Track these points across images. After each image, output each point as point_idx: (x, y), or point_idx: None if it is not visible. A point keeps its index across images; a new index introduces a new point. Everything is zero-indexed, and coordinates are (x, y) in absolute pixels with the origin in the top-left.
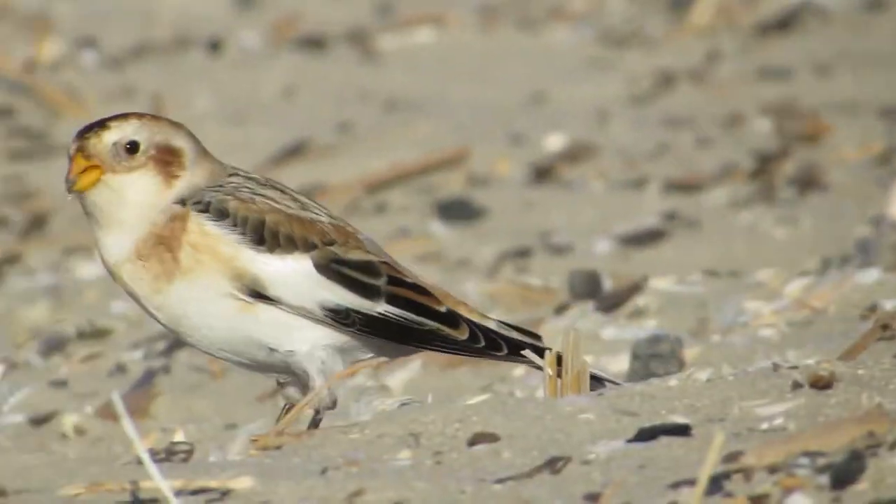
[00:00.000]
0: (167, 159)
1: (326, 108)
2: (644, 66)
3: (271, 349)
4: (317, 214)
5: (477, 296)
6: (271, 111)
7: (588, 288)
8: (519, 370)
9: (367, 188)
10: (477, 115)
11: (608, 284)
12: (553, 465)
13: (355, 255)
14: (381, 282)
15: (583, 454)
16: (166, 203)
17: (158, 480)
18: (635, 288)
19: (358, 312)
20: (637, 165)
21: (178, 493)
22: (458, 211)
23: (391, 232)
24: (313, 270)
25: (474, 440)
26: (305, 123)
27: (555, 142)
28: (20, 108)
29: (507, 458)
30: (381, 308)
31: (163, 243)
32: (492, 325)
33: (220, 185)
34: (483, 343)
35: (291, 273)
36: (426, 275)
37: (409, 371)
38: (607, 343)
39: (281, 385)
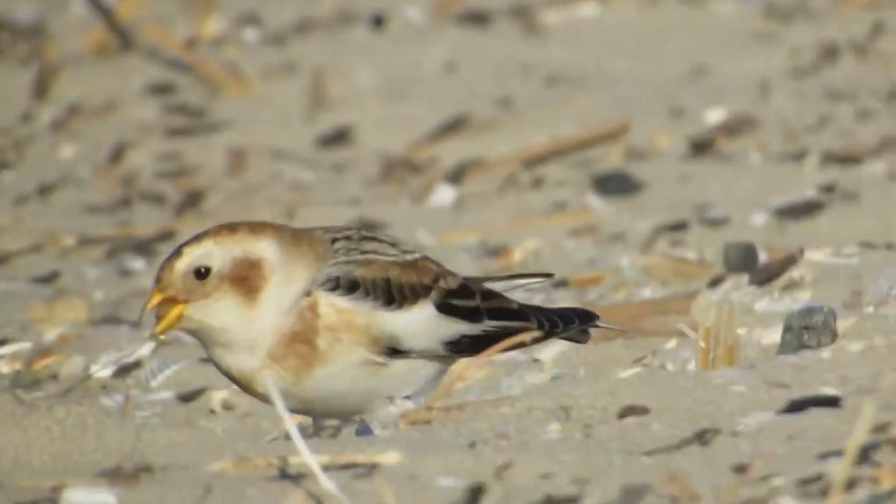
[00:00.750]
0: (244, 275)
1: (487, 83)
2: (808, 38)
3: (390, 398)
4: (412, 252)
5: (631, 269)
6: (432, 86)
7: (743, 261)
8: (671, 343)
9: (526, 162)
10: (638, 88)
11: (763, 257)
12: (702, 436)
13: (454, 283)
14: (478, 301)
15: (732, 426)
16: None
17: (306, 456)
18: (790, 260)
19: (468, 337)
20: (797, 138)
21: (326, 468)
22: (615, 184)
23: (547, 206)
24: (435, 313)
25: (624, 413)
26: (466, 98)
27: (715, 115)
28: (180, 85)
29: (657, 431)
30: (485, 326)
31: (297, 339)
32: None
33: (336, 259)
34: (547, 326)
35: (420, 321)
36: (581, 249)
37: (561, 345)
38: (760, 315)
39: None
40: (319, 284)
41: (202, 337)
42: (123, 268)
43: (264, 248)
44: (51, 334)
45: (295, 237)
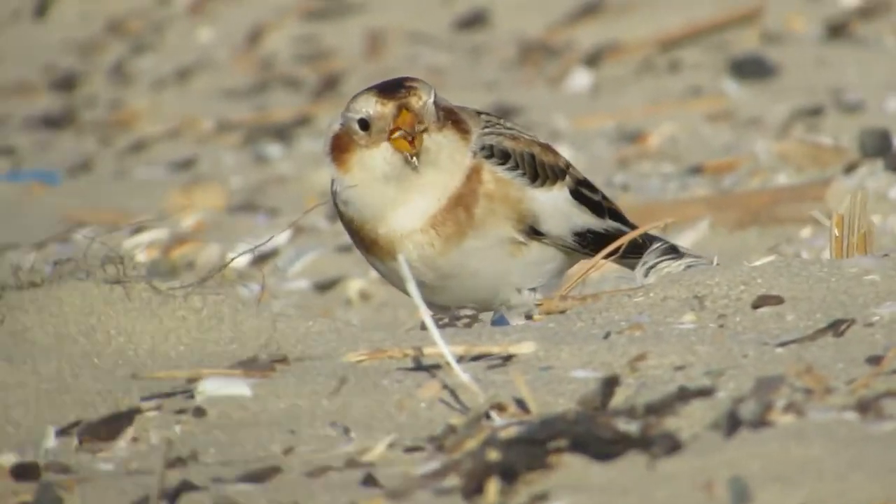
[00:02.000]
0: (455, 118)
1: None
2: None
3: (518, 289)
4: (544, 141)
5: (767, 154)
6: None
7: (879, 147)
8: (806, 231)
9: (661, 46)
10: None
11: None
12: (836, 327)
13: (580, 174)
14: (600, 197)
15: (867, 316)
16: (465, 163)
17: (441, 346)
18: None
19: (593, 232)
20: None
21: (460, 358)
22: (751, 68)
23: (684, 90)
24: (570, 198)
25: (758, 303)
26: None
27: None
28: None
29: (791, 321)
30: (607, 224)
31: (461, 202)
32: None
33: (485, 129)
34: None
35: (558, 204)
36: (717, 135)
37: (697, 231)
38: (895, 203)
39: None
40: (479, 150)
41: (405, 175)
42: (261, 154)
43: (447, 103)
44: (188, 222)
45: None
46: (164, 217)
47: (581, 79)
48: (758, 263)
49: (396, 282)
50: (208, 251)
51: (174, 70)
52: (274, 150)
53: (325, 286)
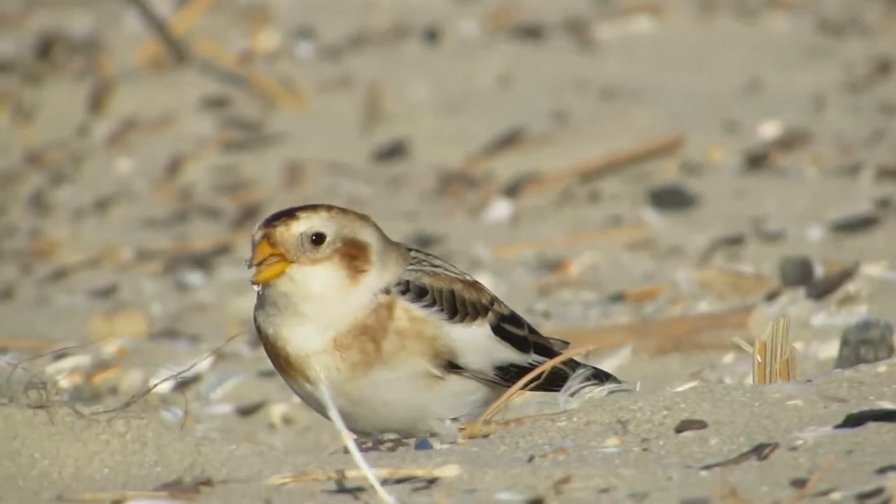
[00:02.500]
0: (353, 253)
1: (542, 97)
2: (861, 53)
3: (440, 420)
4: (470, 277)
5: (688, 283)
6: (487, 100)
7: (799, 275)
8: (728, 357)
9: (581, 177)
10: (692, 103)
11: (820, 271)
12: (760, 451)
13: (506, 310)
14: (526, 332)
15: (790, 440)
16: (356, 296)
17: (365, 469)
18: (847, 274)
19: (515, 366)
20: (852, 152)
21: (385, 481)
22: (671, 198)
23: (604, 220)
24: (491, 333)
25: (682, 427)
26: (521, 112)
27: (770, 129)
28: (235, 98)
29: (715, 445)
30: (532, 358)
31: (366, 333)
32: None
33: (407, 266)
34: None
35: (477, 339)
36: (637, 264)
37: (619, 358)
38: (817, 329)
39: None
40: (395, 286)
41: (283, 302)
42: (181, 281)
43: (368, 235)
44: (110, 348)
45: (388, 239)
46: (87, 343)
47: (501, 209)
48: (681, 389)
49: (314, 405)
50: (131, 377)
51: (93, 200)
52: (194, 278)
53: (248, 410)
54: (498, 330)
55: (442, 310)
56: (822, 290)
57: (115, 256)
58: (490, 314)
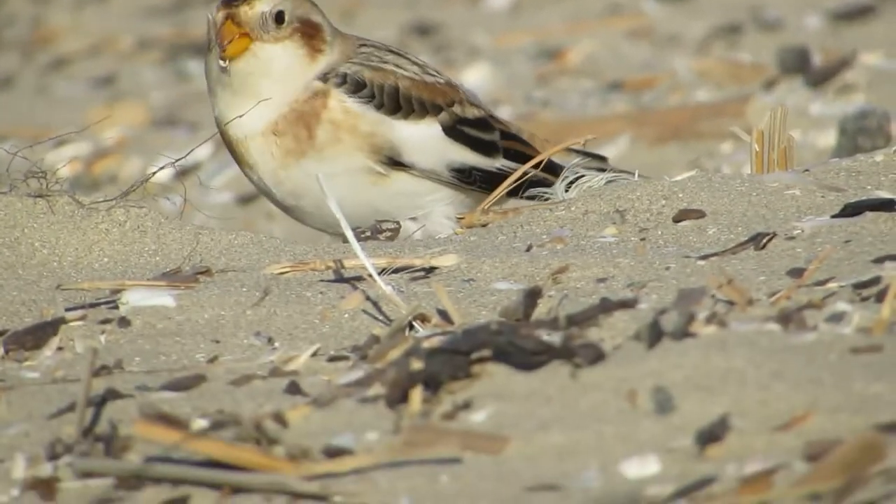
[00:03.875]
0: (310, 33)
1: None
2: None
3: (394, 218)
4: (434, 76)
5: (686, 72)
6: None
7: (797, 63)
8: (726, 146)
9: None
10: None
11: (817, 60)
12: (758, 240)
13: (471, 113)
14: (495, 136)
15: (788, 230)
16: (309, 78)
17: (363, 258)
18: (844, 63)
19: (479, 170)
20: None
21: (382, 271)
22: None
23: (603, 8)
24: (442, 133)
25: (680, 217)
26: None
27: None
28: None
29: (712, 235)
30: (500, 163)
31: (301, 119)
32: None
33: (352, 58)
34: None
35: (424, 138)
36: (636, 52)
37: (617, 147)
38: (815, 118)
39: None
40: (333, 77)
41: (239, 82)
42: (181, 70)
43: (320, 18)
44: (110, 137)
45: (336, 28)
46: (86, 132)
47: None
48: (679, 178)
49: (263, 194)
50: (130, 165)
51: None
52: (194, 66)
53: (247, 199)
54: (452, 131)
55: (382, 105)
56: (819, 79)
57: (116, 44)
58: (444, 114)
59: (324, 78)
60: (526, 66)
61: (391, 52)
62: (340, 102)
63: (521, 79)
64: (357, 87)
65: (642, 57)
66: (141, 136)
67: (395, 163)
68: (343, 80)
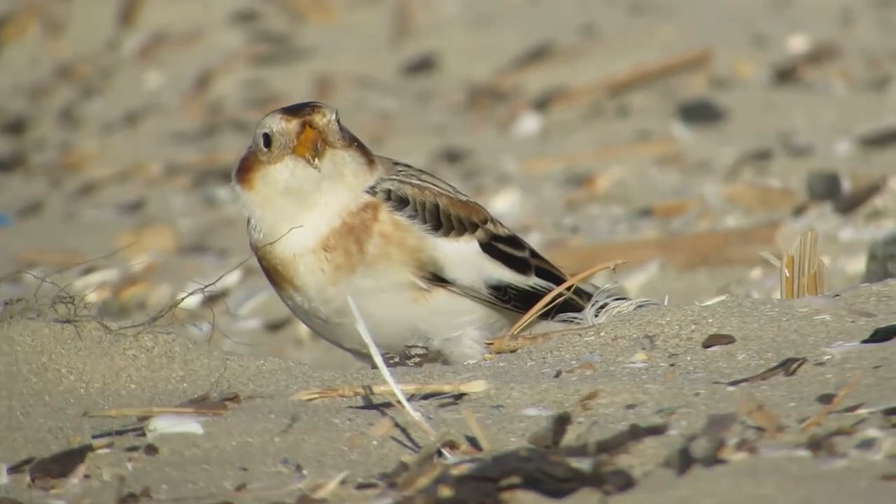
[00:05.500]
0: (359, 144)
1: (571, 11)
2: None
3: (429, 338)
4: (466, 197)
5: (715, 198)
6: (516, 14)
7: (827, 189)
8: (756, 272)
9: (610, 91)
10: (721, 16)
11: (847, 185)
12: (787, 366)
13: (503, 231)
14: (526, 254)
15: (817, 355)
16: (358, 192)
17: (392, 385)
18: (874, 188)
19: (514, 288)
20: (880, 66)
21: (411, 397)
22: (699, 113)
23: (632, 134)
24: (480, 249)
25: (709, 342)
26: (550, 26)
27: (798, 43)
28: (264, 12)
29: (742, 360)
30: (532, 281)
31: (352, 234)
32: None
33: (392, 176)
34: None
35: (464, 254)
36: (666, 178)
37: (647, 273)
38: (844, 244)
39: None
40: (380, 191)
41: (314, 184)
42: (209, 196)
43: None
44: (138, 263)
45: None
46: (114, 258)
47: (530, 123)
48: (709, 303)
49: (303, 317)
50: (159, 292)
51: (123, 114)
52: (223, 192)
53: (275, 326)
54: (489, 248)
55: (425, 221)
56: (849, 205)
57: (144, 171)
58: (480, 231)
59: (371, 192)
60: (555, 192)
61: (424, 172)
62: (390, 215)
63: (550, 205)
64: (402, 203)
65: (671, 183)
66: (169, 263)
67: (437, 279)
68: (388, 195)
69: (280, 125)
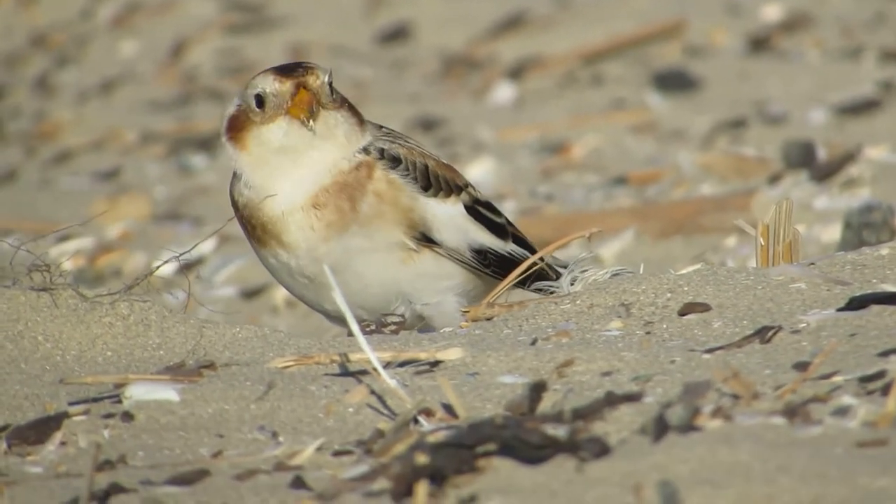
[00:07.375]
0: (350, 104)
1: None
2: None
3: (411, 302)
4: (446, 161)
5: (690, 166)
6: None
7: (802, 158)
8: (731, 240)
9: (584, 60)
10: None
11: (822, 154)
12: (763, 334)
13: (482, 196)
14: (504, 221)
15: (793, 323)
16: (351, 151)
17: (368, 352)
18: (849, 157)
19: (494, 253)
20: (854, 35)
21: (387, 364)
22: (674, 81)
23: (607, 103)
24: (465, 212)
25: (685, 310)
26: None
27: (772, 12)
28: None
29: (718, 328)
30: (510, 247)
31: (344, 191)
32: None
33: (381, 137)
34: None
35: (452, 216)
36: (640, 146)
37: (622, 241)
38: (819, 213)
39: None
40: (373, 150)
41: (307, 143)
42: (184, 164)
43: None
44: (113, 231)
45: None
46: (90, 226)
47: (504, 92)
48: (684, 272)
49: (286, 278)
50: (134, 259)
51: (98, 83)
52: (198, 160)
53: (251, 293)
54: (472, 211)
55: (416, 180)
56: (824, 173)
57: (119, 139)
58: (464, 194)
59: (365, 150)
60: (530, 161)
61: (406, 135)
62: (385, 173)
63: (525, 173)
64: (395, 162)
65: (646, 151)
66: (144, 230)
67: (426, 240)
68: (382, 154)
69: (274, 86)
